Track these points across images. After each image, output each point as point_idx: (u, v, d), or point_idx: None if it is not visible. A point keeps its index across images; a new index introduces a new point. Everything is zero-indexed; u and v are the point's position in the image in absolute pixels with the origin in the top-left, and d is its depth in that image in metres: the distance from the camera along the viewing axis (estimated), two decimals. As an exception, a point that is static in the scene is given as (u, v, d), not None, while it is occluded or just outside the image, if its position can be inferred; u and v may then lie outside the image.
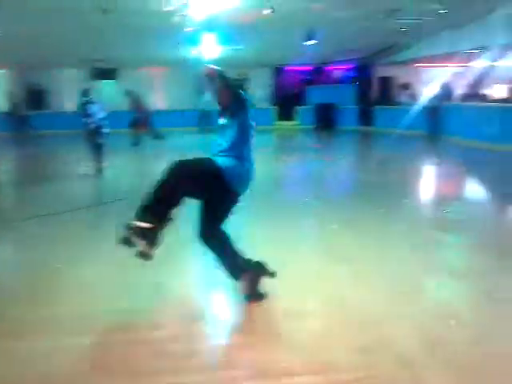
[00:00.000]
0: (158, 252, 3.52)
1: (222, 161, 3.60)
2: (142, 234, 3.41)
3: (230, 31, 13.67)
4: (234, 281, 3.88)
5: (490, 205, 7.82)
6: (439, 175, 10.72)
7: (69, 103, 21.03)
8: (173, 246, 4.45)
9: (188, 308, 3.85)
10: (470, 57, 15.95)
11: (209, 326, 3.61)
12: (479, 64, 17.47)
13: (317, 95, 21.40)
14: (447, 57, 16.56)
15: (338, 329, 3.46)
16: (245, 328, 3.55)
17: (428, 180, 10.49)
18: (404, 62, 19.73)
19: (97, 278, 4.50)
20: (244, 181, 3.72)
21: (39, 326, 3.56)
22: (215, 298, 4.20)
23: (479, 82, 18.78)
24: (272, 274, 3.87)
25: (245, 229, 5.56)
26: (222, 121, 3.80)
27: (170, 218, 3.55)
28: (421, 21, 13.17)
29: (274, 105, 22.52)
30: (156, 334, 3.42)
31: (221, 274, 3.94)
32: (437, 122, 16.08)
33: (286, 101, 22.11)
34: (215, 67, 3.59)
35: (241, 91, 3.68)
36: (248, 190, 3.77)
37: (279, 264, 4.03)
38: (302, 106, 22.03)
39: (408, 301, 3.90)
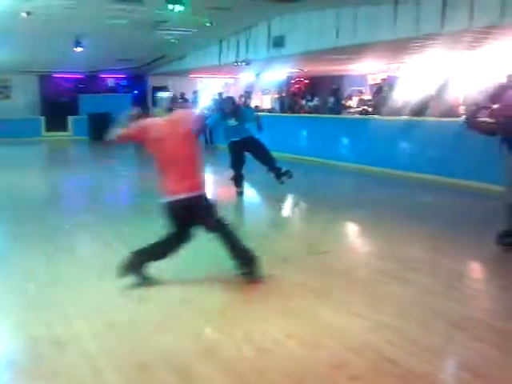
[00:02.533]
0: None
1: None
2: None
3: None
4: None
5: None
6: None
7: None
8: None
9: None
10: (237, 69, 16.97)
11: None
12: (246, 76, 18.73)
13: (90, 104, 20.47)
14: (217, 68, 17.40)
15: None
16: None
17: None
18: (177, 73, 20.17)
19: None
20: None
21: None
22: None
23: (248, 93, 20.14)
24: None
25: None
26: None
27: None
28: (189, 33, 13.56)
29: (42, 114, 20.89)
30: None
31: None
32: (211, 132, 16.79)
33: (56, 110, 20.61)
34: None
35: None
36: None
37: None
38: (75, 116, 20.91)
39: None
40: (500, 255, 5.13)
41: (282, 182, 8.29)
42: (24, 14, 10.07)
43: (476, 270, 5.31)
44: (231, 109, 8.12)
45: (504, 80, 6.94)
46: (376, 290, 4.26)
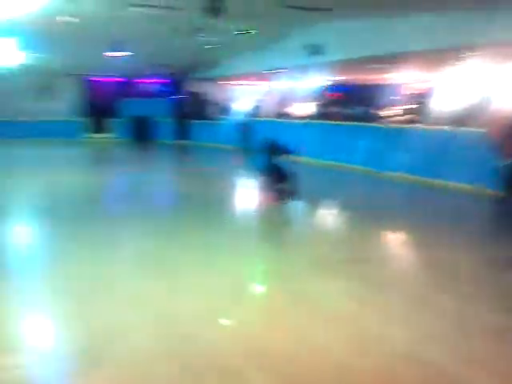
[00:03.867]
0: None
1: None
2: None
3: (32, 37, 12.77)
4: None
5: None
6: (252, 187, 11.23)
7: None
8: None
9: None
10: (272, 76, 17.07)
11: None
12: (281, 84, 18.80)
13: (131, 108, 21.00)
14: (254, 75, 17.56)
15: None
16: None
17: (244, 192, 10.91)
18: (215, 79, 20.42)
19: None
20: None
21: None
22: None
23: (283, 100, 20.20)
24: None
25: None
26: None
27: None
28: (228, 39, 13.74)
29: (86, 117, 21.53)
30: None
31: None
32: (248, 137, 16.93)
33: (99, 113, 21.29)
34: None
35: None
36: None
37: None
38: (117, 119, 21.44)
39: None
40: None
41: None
42: (72, 19, 10.34)
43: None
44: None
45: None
46: (424, 300, 4.24)
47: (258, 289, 4.81)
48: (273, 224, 7.38)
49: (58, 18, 10.38)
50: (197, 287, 4.42)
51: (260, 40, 14.37)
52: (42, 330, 3.71)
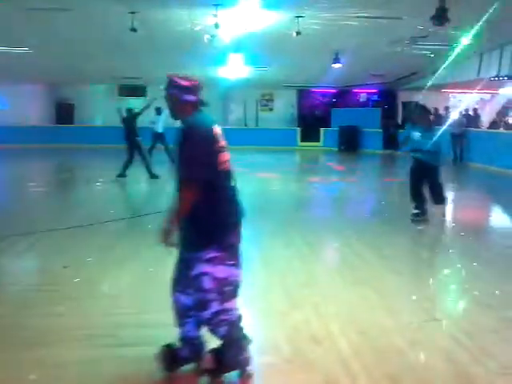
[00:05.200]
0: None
1: None
2: None
3: (258, 52, 13.88)
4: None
5: None
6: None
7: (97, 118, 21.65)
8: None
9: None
10: (496, 84, 15.88)
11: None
12: (506, 91, 17.38)
13: (341, 117, 21.44)
14: (473, 83, 16.53)
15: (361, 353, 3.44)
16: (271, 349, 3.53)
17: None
18: (428, 88, 19.72)
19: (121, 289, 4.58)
20: None
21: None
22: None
23: (506, 109, 18.68)
24: None
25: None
26: None
27: None
28: (446, 47, 13.21)
29: (298, 126, 22.65)
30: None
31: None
32: (462, 149, 16.03)
33: (311, 122, 22.23)
34: None
35: None
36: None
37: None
38: (327, 128, 22.09)
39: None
40: None
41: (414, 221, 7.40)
42: (294, 34, 10.99)
43: None
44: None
45: None
46: None
47: None
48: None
49: (292, 34, 11.05)
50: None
51: (485, 46, 13.53)
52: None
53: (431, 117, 8.96)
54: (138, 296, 4.42)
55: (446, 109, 19.88)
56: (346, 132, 21.14)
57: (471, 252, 6.08)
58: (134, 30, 10.71)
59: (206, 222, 2.79)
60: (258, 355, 3.22)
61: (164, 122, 13.82)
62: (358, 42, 12.84)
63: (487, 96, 20.66)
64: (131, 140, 11.50)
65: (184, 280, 2.89)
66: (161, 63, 16.23)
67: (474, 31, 11.35)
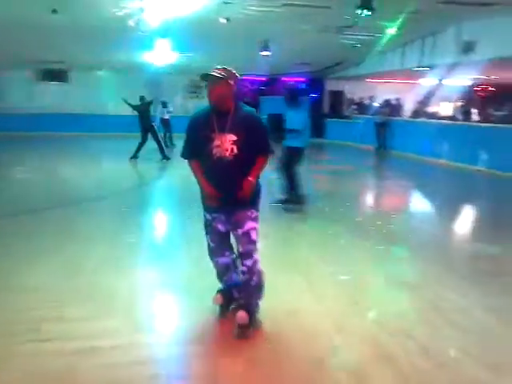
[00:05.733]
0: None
1: None
2: None
3: (186, 38, 13.60)
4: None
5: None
6: (387, 189, 10.97)
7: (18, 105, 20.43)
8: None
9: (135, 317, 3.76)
10: (418, 74, 16.48)
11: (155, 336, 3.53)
12: (427, 82, 18.08)
13: (270, 106, 21.46)
14: (396, 73, 17.10)
15: (289, 340, 3.45)
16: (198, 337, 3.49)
17: (376, 193, 10.72)
18: (354, 77, 20.20)
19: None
20: None
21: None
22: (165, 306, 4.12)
23: (427, 99, 19.46)
24: None
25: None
26: None
27: None
28: (372, 37, 13.52)
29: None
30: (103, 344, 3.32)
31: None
32: (385, 137, 16.55)
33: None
34: None
35: None
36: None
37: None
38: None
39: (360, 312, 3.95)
40: None
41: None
42: (223, 20, 10.80)
43: None
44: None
45: None
46: None
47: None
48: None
49: (221, 20, 10.86)
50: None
51: (408, 37, 13.96)
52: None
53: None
54: (60, 288, 4.23)
55: (370, 98, 20.48)
56: (273, 120, 21.08)
57: (393, 237, 6.28)
58: (54, 11, 10.18)
59: (259, 186, 3.57)
60: (181, 345, 3.28)
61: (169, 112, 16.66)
62: (286, 29, 12.85)
63: (409, 86, 21.45)
64: (145, 125, 13.05)
65: (223, 246, 3.67)
66: (85, 47, 15.59)
67: (397, 22, 11.71)
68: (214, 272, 3.79)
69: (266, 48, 14.35)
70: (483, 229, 7.23)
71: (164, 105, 16.86)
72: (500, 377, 3.05)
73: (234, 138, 3.37)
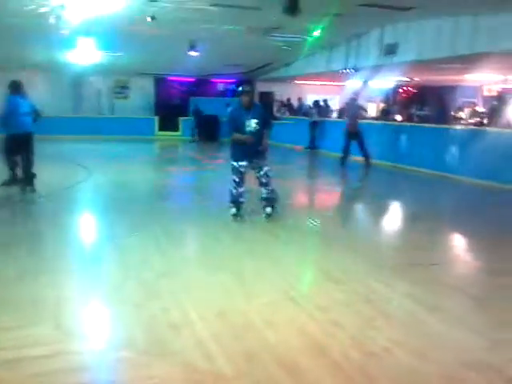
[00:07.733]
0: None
1: None
2: None
3: (111, 37, 13.24)
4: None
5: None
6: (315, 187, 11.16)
7: None
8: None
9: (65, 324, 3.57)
10: (344, 76, 16.89)
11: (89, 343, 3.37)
12: (353, 83, 18.56)
13: (200, 107, 21.29)
14: (323, 75, 17.45)
15: (219, 336, 3.40)
16: (127, 342, 3.36)
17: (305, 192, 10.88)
18: (283, 79, 20.45)
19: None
20: None
21: None
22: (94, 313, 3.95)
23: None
24: None
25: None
26: None
27: None
28: (299, 39, 13.72)
29: (156, 115, 22.10)
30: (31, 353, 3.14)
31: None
32: (314, 137, 16.87)
33: (169, 111, 21.78)
34: None
35: None
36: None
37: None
38: (185, 118, 21.84)
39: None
40: None
41: None
42: (149, 19, 10.59)
43: None
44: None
45: None
46: (491, 306, 4.10)
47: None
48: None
49: (147, 19, 10.62)
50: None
51: (333, 39, 14.27)
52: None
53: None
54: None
55: (299, 99, 20.82)
56: (204, 121, 20.92)
57: (317, 230, 6.39)
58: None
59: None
60: (112, 351, 3.14)
61: None
62: (214, 30, 12.78)
63: (337, 88, 21.99)
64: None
65: (242, 182, 6.56)
66: (2, 45, 14.81)
67: (322, 24, 11.95)
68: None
69: (193, 48, 14.20)
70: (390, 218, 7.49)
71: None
72: (426, 363, 3.14)
73: (256, 121, 6.40)
